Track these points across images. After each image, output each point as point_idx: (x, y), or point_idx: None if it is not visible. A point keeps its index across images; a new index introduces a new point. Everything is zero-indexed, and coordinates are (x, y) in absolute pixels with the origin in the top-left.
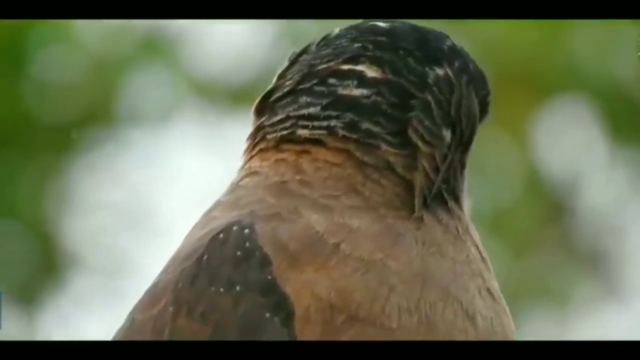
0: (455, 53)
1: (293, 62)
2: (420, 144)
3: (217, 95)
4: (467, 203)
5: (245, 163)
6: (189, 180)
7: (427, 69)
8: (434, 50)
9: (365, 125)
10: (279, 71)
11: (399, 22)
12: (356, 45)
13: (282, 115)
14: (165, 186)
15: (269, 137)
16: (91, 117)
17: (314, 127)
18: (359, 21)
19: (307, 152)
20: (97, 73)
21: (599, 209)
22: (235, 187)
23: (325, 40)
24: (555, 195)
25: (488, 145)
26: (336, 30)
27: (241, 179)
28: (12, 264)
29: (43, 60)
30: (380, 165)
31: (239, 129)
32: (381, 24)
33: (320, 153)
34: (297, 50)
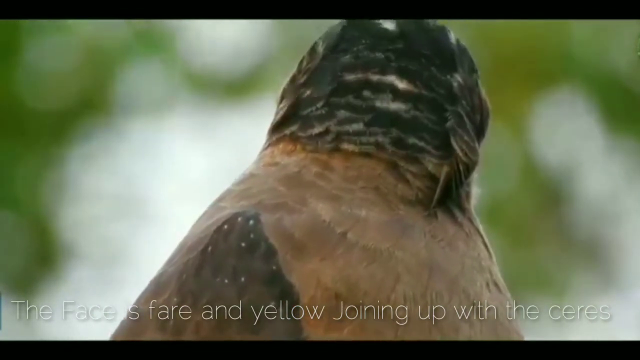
0: (462, 51)
1: (311, 59)
2: (461, 155)
3: (213, 86)
4: (475, 191)
5: (268, 156)
6: (184, 170)
7: (448, 77)
8: (448, 53)
9: (412, 140)
10: (301, 64)
11: (402, 22)
12: (378, 54)
13: (321, 128)
14: (161, 176)
15: (308, 148)
16: (87, 107)
17: (362, 143)
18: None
19: (345, 157)
20: (92, 62)
21: (596, 198)
22: (248, 176)
23: (330, 40)
24: (552, 184)
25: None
26: (337, 29)
27: (258, 168)
28: (8, 254)
29: (38, 48)
30: (421, 174)
31: (234, 120)
32: (388, 25)
33: (358, 158)
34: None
